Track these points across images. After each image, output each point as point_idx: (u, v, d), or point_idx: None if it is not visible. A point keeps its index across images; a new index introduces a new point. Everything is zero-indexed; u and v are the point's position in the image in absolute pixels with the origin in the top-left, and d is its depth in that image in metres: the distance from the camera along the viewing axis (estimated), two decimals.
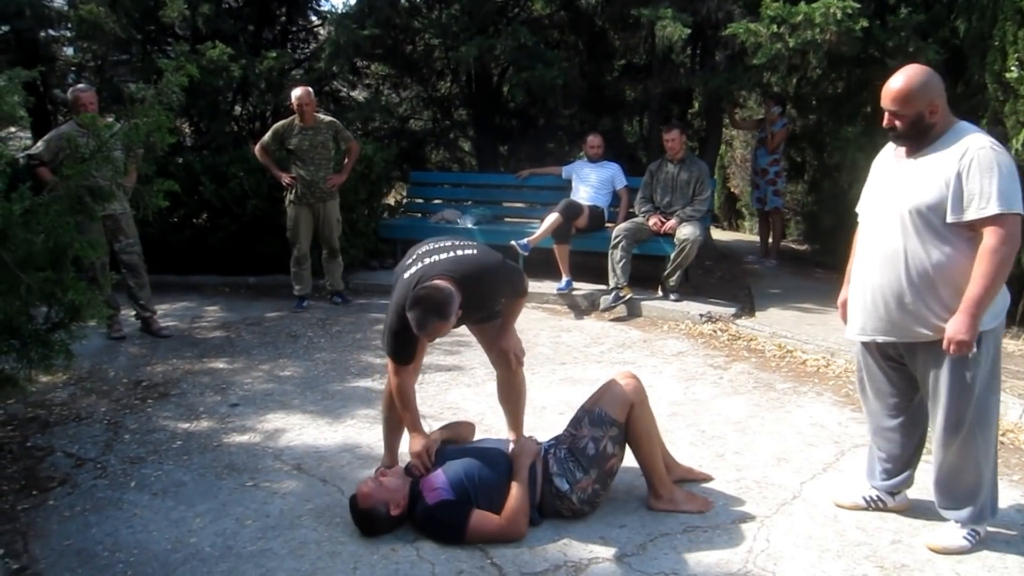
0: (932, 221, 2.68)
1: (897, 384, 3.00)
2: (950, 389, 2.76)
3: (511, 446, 3.24)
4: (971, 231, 2.65)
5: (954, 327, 2.65)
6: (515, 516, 2.94)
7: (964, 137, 2.68)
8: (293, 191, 6.30)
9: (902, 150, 2.83)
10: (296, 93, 6.19)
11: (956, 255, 2.67)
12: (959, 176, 2.62)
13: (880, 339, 2.89)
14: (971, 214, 2.61)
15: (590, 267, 6.76)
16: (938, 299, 2.71)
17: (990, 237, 2.59)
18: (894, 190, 2.80)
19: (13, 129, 6.40)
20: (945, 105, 2.72)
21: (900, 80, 2.72)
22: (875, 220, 2.87)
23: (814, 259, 8.46)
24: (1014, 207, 2.58)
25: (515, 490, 2.99)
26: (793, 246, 9.87)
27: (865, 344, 3.01)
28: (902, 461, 3.08)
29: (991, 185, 2.57)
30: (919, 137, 2.74)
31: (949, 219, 2.64)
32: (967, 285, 2.66)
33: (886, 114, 2.76)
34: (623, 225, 6.39)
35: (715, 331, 5.75)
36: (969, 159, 2.61)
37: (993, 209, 2.57)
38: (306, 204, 6.33)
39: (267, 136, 6.35)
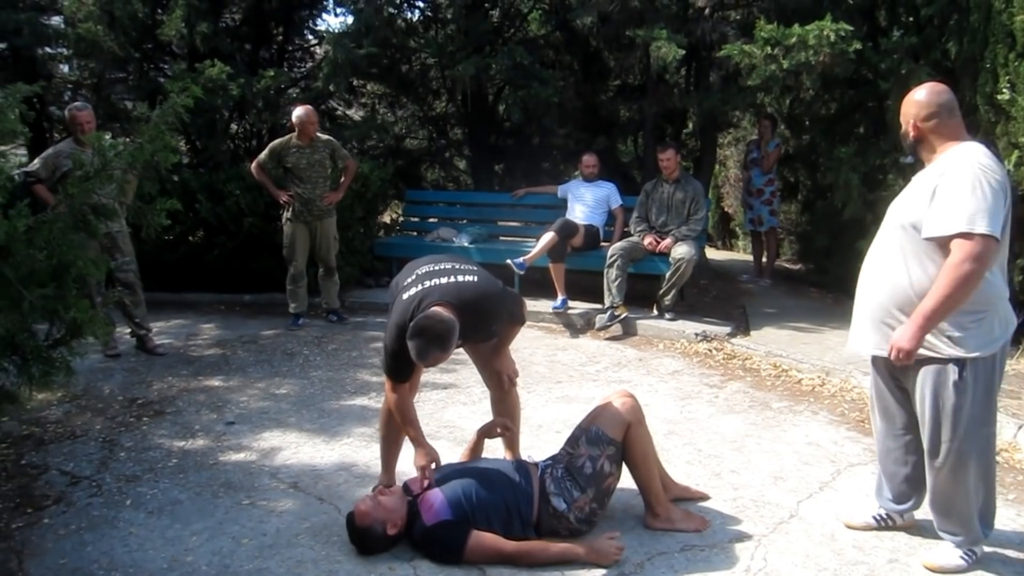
0: (916, 237, 2.68)
1: (904, 404, 2.96)
2: (931, 412, 2.75)
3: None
4: (949, 249, 2.61)
5: (898, 334, 2.65)
6: (527, 558, 2.90)
7: (953, 154, 2.67)
8: (290, 209, 6.31)
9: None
10: (299, 112, 6.20)
11: (937, 273, 2.61)
12: (934, 193, 2.61)
13: (877, 352, 2.89)
14: (935, 231, 2.58)
15: (585, 286, 6.77)
16: None
17: (954, 253, 2.54)
18: (895, 206, 2.84)
19: (9, 146, 6.39)
20: (948, 124, 2.71)
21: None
22: (879, 235, 2.89)
23: (808, 279, 8.49)
24: (976, 227, 2.50)
25: (555, 550, 2.91)
26: (787, 265, 9.92)
27: (875, 363, 2.99)
28: (911, 482, 3.04)
29: (958, 203, 2.53)
30: (912, 151, 2.82)
31: (923, 235, 2.64)
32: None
33: None
34: (618, 244, 6.42)
35: (710, 350, 5.77)
36: (946, 177, 2.60)
37: (956, 227, 2.52)
38: (303, 222, 6.34)
39: (264, 154, 6.36)
